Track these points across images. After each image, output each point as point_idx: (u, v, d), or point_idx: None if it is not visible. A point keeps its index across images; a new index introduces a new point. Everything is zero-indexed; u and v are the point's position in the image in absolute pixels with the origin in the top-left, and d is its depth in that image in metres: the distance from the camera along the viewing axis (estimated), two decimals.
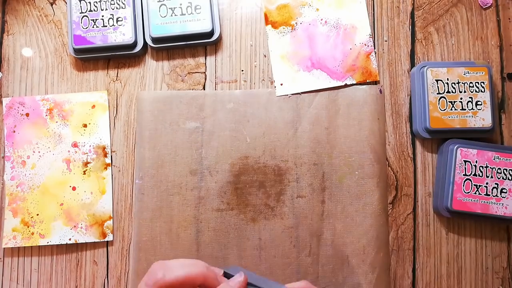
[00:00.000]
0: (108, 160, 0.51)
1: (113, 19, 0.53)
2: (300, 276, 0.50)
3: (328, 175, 0.52)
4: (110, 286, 0.52)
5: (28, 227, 0.50)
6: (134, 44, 0.53)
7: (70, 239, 0.50)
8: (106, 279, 0.52)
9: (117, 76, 0.55)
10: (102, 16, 0.53)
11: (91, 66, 0.55)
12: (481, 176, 0.49)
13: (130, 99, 0.55)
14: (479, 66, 0.50)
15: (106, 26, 0.53)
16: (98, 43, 0.53)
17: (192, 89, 0.55)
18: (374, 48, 0.54)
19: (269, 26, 0.55)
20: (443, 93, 0.50)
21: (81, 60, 0.55)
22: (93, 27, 0.53)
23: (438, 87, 0.50)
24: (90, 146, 0.51)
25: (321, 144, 0.52)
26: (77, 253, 0.52)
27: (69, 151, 0.51)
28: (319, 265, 0.50)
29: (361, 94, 0.53)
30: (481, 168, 0.49)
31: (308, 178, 0.52)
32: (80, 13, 0.53)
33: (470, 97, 0.50)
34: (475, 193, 0.48)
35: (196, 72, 0.55)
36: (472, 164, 0.49)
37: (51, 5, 0.57)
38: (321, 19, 0.55)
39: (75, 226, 0.50)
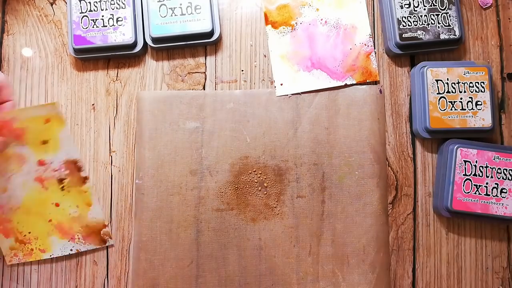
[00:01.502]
0: (84, 174, 0.48)
1: (113, 19, 0.53)
2: (300, 276, 0.50)
3: (328, 175, 0.52)
4: (110, 286, 0.52)
5: (25, 244, 0.49)
6: (134, 44, 0.53)
7: (71, 250, 0.50)
8: (106, 279, 0.52)
9: (117, 76, 0.55)
10: (102, 16, 0.53)
11: (91, 66, 0.55)
12: (481, 176, 0.49)
13: (130, 99, 0.55)
14: (479, 66, 0.50)
15: (106, 26, 0.53)
16: (98, 43, 0.53)
17: (192, 89, 0.55)
18: (374, 48, 0.54)
19: (269, 26, 0.55)
20: (443, 93, 0.50)
21: (81, 60, 0.55)
22: (93, 27, 0.53)
23: (438, 87, 0.50)
24: (59, 162, 0.48)
25: (321, 144, 0.52)
26: (77, 253, 0.52)
27: (37, 170, 0.48)
28: (319, 265, 0.50)
29: (361, 94, 0.53)
30: (481, 168, 0.49)
31: (308, 178, 0.52)
32: (80, 13, 0.53)
33: (470, 97, 0.50)
34: (475, 193, 0.48)
35: (196, 72, 0.55)
36: (472, 164, 0.49)
37: (51, 5, 0.57)
38: (321, 19, 0.55)
39: (72, 238, 0.49)
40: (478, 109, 0.50)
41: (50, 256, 0.49)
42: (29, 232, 0.48)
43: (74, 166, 0.47)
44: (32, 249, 0.48)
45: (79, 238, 0.48)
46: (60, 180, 0.47)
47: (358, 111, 0.52)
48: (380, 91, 0.53)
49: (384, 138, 0.53)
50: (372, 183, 0.51)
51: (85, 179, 0.47)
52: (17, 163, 0.46)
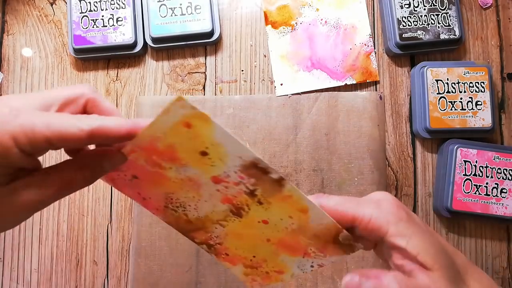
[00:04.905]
0: (275, 175, 0.31)
1: (113, 19, 0.53)
2: (299, 283, 0.50)
3: (327, 181, 0.52)
4: (110, 286, 0.52)
5: (257, 268, 0.38)
6: (134, 44, 0.53)
7: (312, 266, 0.37)
8: (106, 279, 0.52)
9: (117, 76, 0.55)
10: (102, 16, 0.53)
11: (91, 66, 0.55)
12: (481, 176, 0.48)
13: (130, 99, 0.55)
14: (479, 66, 0.50)
15: (106, 26, 0.53)
16: (98, 43, 0.53)
17: (192, 89, 0.55)
18: (374, 48, 0.54)
19: (269, 26, 0.55)
20: (443, 93, 0.50)
21: (81, 60, 0.55)
22: (93, 27, 0.53)
23: (438, 87, 0.50)
24: (235, 172, 0.32)
25: (321, 150, 0.52)
26: (77, 253, 0.52)
27: (217, 190, 0.34)
28: (318, 272, 0.50)
29: (361, 101, 0.53)
30: (481, 168, 0.49)
31: (308, 184, 0.52)
32: (80, 13, 0.53)
33: (470, 97, 0.50)
34: (475, 193, 0.48)
35: (196, 72, 0.55)
36: (472, 164, 0.49)
37: (51, 5, 0.56)
38: (321, 19, 0.55)
39: (306, 254, 0.36)
40: (478, 109, 0.50)
41: (292, 276, 0.38)
42: (254, 256, 0.37)
43: (257, 169, 0.31)
44: (267, 272, 0.37)
45: (314, 252, 0.35)
46: (251, 193, 0.32)
47: (358, 117, 0.52)
48: (380, 97, 0.53)
49: (384, 145, 0.53)
50: (371, 189, 0.51)
51: (280, 181, 0.31)
52: (191, 189, 0.33)
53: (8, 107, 0.23)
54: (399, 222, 0.28)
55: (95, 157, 0.27)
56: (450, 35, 0.51)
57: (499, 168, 0.49)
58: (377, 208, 0.28)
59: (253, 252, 0.36)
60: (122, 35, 0.53)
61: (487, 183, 0.48)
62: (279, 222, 0.33)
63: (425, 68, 0.50)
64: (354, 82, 0.53)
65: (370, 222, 0.28)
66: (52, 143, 0.23)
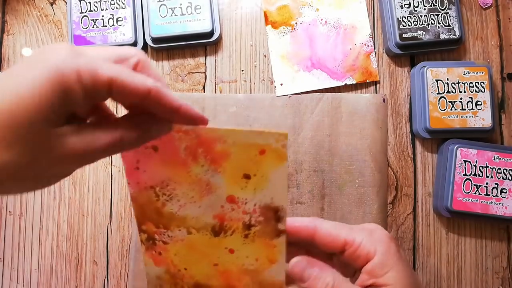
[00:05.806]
0: (281, 226, 0.33)
1: (113, 19, 0.53)
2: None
3: (328, 182, 0.52)
4: (110, 286, 0.52)
5: (175, 280, 0.38)
6: (134, 44, 0.53)
7: None
8: (106, 279, 0.52)
9: None
10: (102, 16, 0.53)
11: None
12: (481, 176, 0.49)
13: None
14: (479, 66, 0.50)
15: (106, 26, 0.53)
16: (98, 43, 0.53)
17: (192, 89, 0.55)
18: (374, 48, 0.54)
19: (269, 26, 0.55)
20: (443, 93, 0.50)
21: None
22: (93, 27, 0.53)
23: (438, 87, 0.50)
24: (255, 205, 0.33)
25: (322, 151, 0.52)
26: (77, 253, 0.52)
27: (222, 207, 0.33)
28: None
29: (364, 103, 0.53)
30: (481, 168, 0.49)
31: (308, 185, 0.52)
32: (80, 13, 0.53)
33: (470, 97, 0.50)
34: (475, 193, 0.48)
35: (196, 72, 0.55)
36: (472, 164, 0.49)
37: (51, 5, 0.57)
38: (321, 19, 0.55)
39: None
40: (478, 109, 0.50)
41: None
42: (185, 269, 0.36)
43: (273, 214, 0.32)
44: (182, 286, 0.37)
45: None
46: (248, 226, 0.33)
47: (360, 119, 0.52)
48: (384, 100, 0.53)
49: (385, 148, 0.53)
50: (372, 192, 0.51)
51: (279, 233, 0.33)
52: (198, 191, 0.32)
53: (70, 48, 0.22)
54: (386, 252, 0.29)
55: (147, 119, 0.25)
56: (450, 35, 0.51)
57: (499, 168, 0.49)
58: (368, 236, 0.30)
59: (188, 265, 0.36)
60: (122, 35, 0.53)
61: (487, 183, 0.48)
62: (243, 257, 0.34)
63: (425, 68, 0.50)
64: (354, 82, 0.53)
65: (360, 247, 0.29)
66: (112, 90, 0.22)
